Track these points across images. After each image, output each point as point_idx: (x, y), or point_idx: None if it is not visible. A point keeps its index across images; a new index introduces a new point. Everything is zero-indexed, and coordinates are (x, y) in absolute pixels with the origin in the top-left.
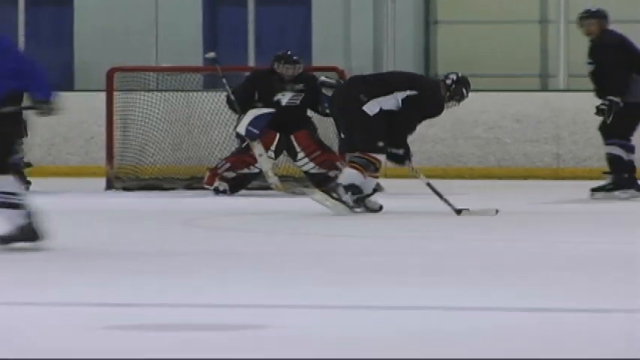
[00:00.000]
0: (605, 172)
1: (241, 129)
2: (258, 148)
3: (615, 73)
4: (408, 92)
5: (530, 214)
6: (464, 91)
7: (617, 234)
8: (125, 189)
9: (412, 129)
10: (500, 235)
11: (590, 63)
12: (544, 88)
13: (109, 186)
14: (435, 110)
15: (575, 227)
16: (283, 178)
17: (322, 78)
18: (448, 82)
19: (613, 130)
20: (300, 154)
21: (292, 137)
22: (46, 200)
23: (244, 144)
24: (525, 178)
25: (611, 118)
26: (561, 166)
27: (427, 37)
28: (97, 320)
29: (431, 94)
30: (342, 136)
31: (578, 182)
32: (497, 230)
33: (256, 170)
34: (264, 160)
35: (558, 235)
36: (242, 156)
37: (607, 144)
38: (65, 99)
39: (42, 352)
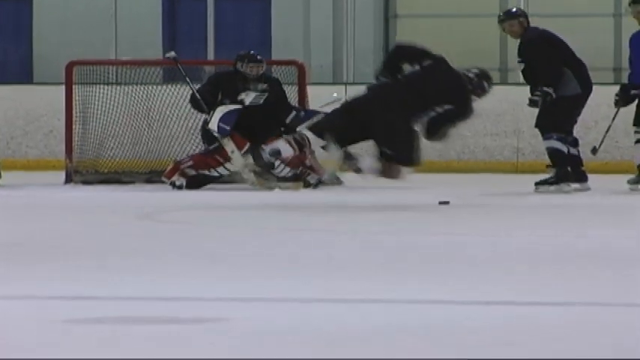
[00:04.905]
0: (548, 166)
1: (213, 125)
2: (229, 145)
3: (547, 67)
4: (441, 109)
5: (490, 206)
6: (485, 85)
7: (571, 227)
8: (84, 182)
9: None
10: (459, 228)
11: (520, 61)
12: (504, 82)
13: (68, 179)
14: (466, 119)
15: (534, 221)
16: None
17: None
18: (470, 75)
19: (548, 125)
20: (278, 161)
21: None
22: (5, 194)
23: (212, 146)
24: (485, 171)
25: (539, 107)
26: (521, 159)
27: (387, 31)
28: (55, 314)
29: (464, 109)
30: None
31: (538, 176)
32: (455, 224)
33: (216, 174)
34: (237, 156)
35: (518, 230)
36: (205, 157)
37: (545, 139)
38: (24, 92)
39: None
